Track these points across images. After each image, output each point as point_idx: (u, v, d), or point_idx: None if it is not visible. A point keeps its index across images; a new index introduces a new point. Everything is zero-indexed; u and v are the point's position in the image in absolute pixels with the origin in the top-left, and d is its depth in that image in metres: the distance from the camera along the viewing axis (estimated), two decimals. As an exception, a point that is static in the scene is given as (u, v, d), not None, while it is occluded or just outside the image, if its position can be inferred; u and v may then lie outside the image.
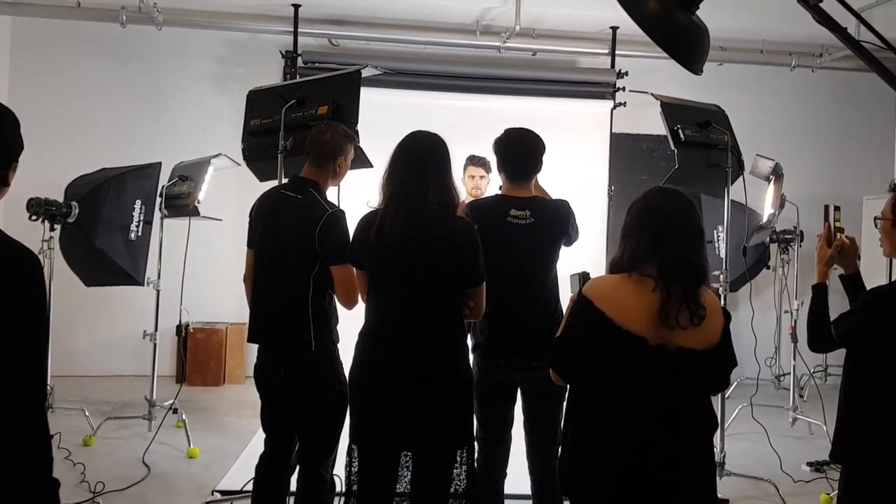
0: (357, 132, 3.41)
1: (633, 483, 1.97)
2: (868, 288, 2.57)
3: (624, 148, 6.84)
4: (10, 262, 1.53)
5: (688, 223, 2.04)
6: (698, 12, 2.53)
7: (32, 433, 1.53)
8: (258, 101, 3.86)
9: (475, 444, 2.72)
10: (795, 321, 5.38)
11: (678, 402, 2.01)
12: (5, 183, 1.63)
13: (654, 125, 4.65)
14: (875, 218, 2.49)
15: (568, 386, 2.21)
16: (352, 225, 2.74)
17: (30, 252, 1.57)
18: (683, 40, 2.54)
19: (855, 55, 2.79)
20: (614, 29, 6.47)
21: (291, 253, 2.86)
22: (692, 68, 2.58)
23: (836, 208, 2.65)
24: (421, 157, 2.55)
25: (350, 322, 2.89)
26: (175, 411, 4.90)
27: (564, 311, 2.21)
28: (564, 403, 3.03)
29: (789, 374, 5.66)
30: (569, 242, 3.09)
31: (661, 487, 1.97)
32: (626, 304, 1.97)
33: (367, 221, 2.59)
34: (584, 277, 2.21)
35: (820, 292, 2.54)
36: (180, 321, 5.19)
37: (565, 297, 3.11)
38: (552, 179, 3.38)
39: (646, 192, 2.14)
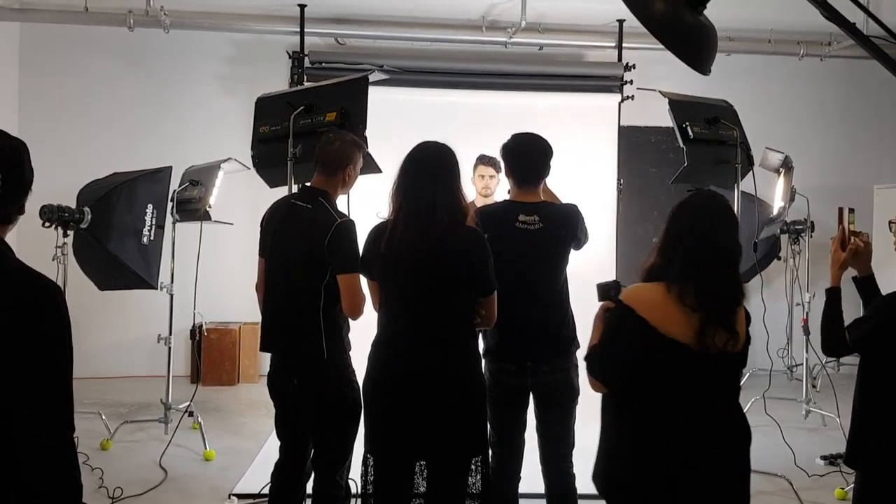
0: (365, 138, 3.42)
1: (682, 488, 2.02)
2: (880, 287, 2.57)
3: (632, 140, 6.82)
4: (36, 297, 1.57)
5: (731, 244, 2.07)
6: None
7: (61, 462, 1.57)
8: (266, 108, 3.88)
9: (489, 450, 2.75)
10: (807, 313, 5.37)
11: (719, 404, 2.08)
12: (8, 220, 1.65)
13: (663, 117, 4.63)
14: (890, 222, 2.49)
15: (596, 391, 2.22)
16: (362, 234, 2.77)
17: (51, 283, 1.61)
18: (691, 41, 2.53)
19: (864, 50, 2.78)
20: (621, 22, 6.43)
21: (302, 262, 2.88)
22: (700, 69, 2.57)
23: (851, 210, 2.63)
24: (429, 168, 2.56)
25: (363, 330, 2.91)
26: (191, 414, 4.94)
27: (594, 320, 2.21)
28: (576, 407, 3.07)
29: (802, 364, 5.66)
30: (578, 246, 3.10)
31: (707, 493, 2.04)
32: (668, 313, 1.99)
33: (377, 233, 2.61)
34: (614, 287, 2.22)
35: (833, 296, 2.53)
36: (194, 325, 5.22)
37: (576, 300, 3.14)
38: (561, 175, 3.38)
39: (691, 204, 2.11)
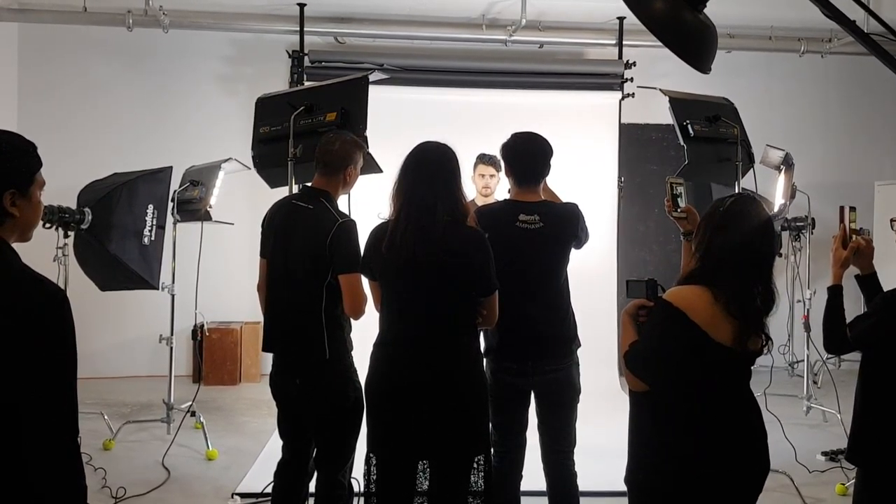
0: (366, 138, 3.43)
1: (723, 483, 2.07)
2: (882, 285, 2.58)
3: (633, 138, 6.83)
4: (40, 302, 1.57)
5: (771, 256, 2.13)
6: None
7: (65, 466, 1.58)
8: (267, 109, 3.88)
9: (491, 449, 2.75)
10: (808, 310, 5.37)
11: (750, 398, 2.16)
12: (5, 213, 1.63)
13: (663, 114, 4.63)
14: (892, 220, 2.49)
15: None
16: (363, 234, 2.77)
17: (55, 287, 1.61)
18: (691, 40, 2.53)
19: (865, 48, 2.78)
20: (621, 19, 6.43)
21: (304, 263, 2.88)
22: (700, 68, 2.58)
23: (852, 209, 2.63)
24: (430, 169, 2.56)
25: (364, 330, 2.92)
26: (193, 414, 4.95)
27: (622, 315, 2.23)
28: (577, 405, 3.08)
29: (803, 361, 5.66)
30: (578, 245, 3.10)
31: (751, 487, 2.11)
32: (716, 318, 2.03)
33: (378, 234, 2.61)
34: (651, 286, 2.21)
35: (835, 294, 2.54)
36: (195, 325, 5.22)
37: (576, 299, 3.14)
38: (561, 173, 3.38)
39: (737, 214, 2.11)
